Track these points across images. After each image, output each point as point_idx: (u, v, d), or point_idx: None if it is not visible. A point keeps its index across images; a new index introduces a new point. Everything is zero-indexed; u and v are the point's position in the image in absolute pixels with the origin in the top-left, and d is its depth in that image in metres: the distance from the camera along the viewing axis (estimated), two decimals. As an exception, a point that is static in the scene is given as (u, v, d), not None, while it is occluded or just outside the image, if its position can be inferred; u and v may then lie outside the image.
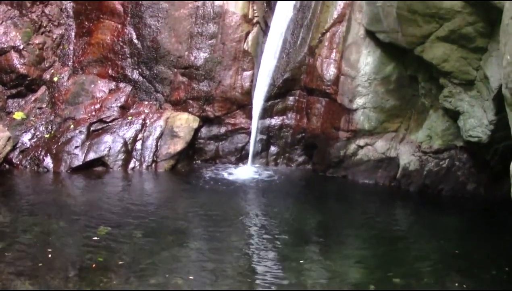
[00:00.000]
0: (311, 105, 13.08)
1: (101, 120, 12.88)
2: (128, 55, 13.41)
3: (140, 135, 12.87)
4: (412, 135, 12.30)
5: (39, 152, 12.43)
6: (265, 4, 13.55)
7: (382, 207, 11.45)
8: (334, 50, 12.68)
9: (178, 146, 12.84)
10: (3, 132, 11.70)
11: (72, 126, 12.72)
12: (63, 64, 13.47)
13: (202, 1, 13.13)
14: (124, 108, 13.13)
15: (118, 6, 13.39)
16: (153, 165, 12.77)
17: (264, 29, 13.48)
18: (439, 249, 9.29)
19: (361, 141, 12.55)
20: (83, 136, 12.57)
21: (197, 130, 13.21)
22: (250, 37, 13.25)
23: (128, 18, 13.39)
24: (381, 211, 11.20)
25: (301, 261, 8.44)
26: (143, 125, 12.97)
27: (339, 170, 12.91)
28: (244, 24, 13.20)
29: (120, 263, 8.02)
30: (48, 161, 12.34)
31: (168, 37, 13.25)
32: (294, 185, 12.56)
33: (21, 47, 12.97)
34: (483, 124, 10.39)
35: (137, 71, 13.41)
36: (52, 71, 13.33)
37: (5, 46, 12.88)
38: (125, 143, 12.67)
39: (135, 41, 13.36)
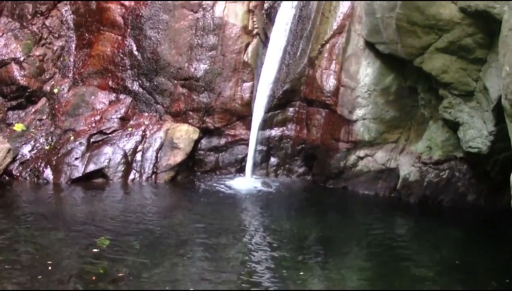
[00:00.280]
0: (311, 116, 13.10)
1: (101, 132, 12.90)
2: (128, 67, 13.44)
3: (140, 147, 12.87)
4: (412, 146, 12.30)
5: (39, 164, 12.43)
6: (265, 16, 13.60)
7: (382, 218, 11.43)
8: (334, 62, 12.71)
9: (178, 157, 12.84)
10: (3, 144, 11.70)
11: (72, 137, 12.73)
12: (64, 76, 13.51)
13: (202, 13, 13.17)
14: (124, 120, 13.15)
15: (119, 18, 13.43)
16: (153, 176, 12.77)
17: (264, 41, 13.53)
18: (440, 260, 9.26)
19: (361, 153, 12.55)
20: (83, 147, 12.57)
21: (197, 141, 13.22)
22: (250, 48, 13.29)
23: (129, 30, 13.44)
24: (381, 222, 11.18)
25: (301, 273, 8.42)
26: (143, 136, 12.98)
27: (339, 181, 12.90)
28: (244, 35, 13.24)
29: (120, 275, 8.00)
30: (48, 173, 12.34)
31: (168, 49, 13.29)
32: (294, 196, 12.55)
33: (22, 59, 13.02)
34: (483, 135, 10.40)
35: (137, 83, 13.44)
36: (53, 83, 13.37)
37: (6, 58, 12.93)
38: (125, 155, 12.68)
39: (135, 52, 13.40)
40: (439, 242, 10.08)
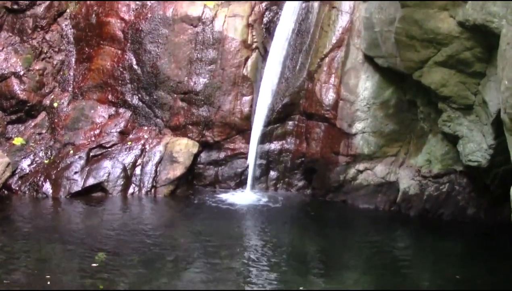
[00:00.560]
0: (311, 130, 13.10)
1: (100, 146, 12.89)
2: (128, 81, 13.47)
3: (139, 161, 12.86)
4: (412, 160, 12.30)
5: (38, 178, 12.41)
6: (264, 30, 13.65)
7: (382, 232, 11.40)
8: (333, 75, 12.74)
9: (177, 171, 12.83)
10: (3, 158, 11.69)
11: (71, 151, 12.72)
12: (63, 90, 13.53)
13: (202, 27, 13.21)
14: (123, 134, 13.15)
15: (118, 32, 13.47)
16: (153, 190, 12.75)
17: (263, 55, 13.55)
18: (440, 274, 9.24)
19: (360, 166, 12.54)
20: (82, 161, 12.56)
21: (196, 155, 13.21)
22: (249, 62, 13.32)
23: (128, 44, 13.47)
24: (381, 236, 11.15)
25: (300, 288, 8.38)
26: (143, 150, 12.97)
27: (339, 194, 12.88)
28: (243, 49, 13.28)
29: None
30: (47, 187, 12.31)
31: (168, 63, 13.32)
32: (294, 210, 12.52)
33: (22, 73, 13.04)
34: (483, 148, 10.40)
35: (137, 97, 13.46)
36: (52, 97, 13.38)
37: (6, 72, 12.96)
38: (124, 169, 12.66)
39: (135, 66, 13.43)
40: (439, 256, 10.05)
